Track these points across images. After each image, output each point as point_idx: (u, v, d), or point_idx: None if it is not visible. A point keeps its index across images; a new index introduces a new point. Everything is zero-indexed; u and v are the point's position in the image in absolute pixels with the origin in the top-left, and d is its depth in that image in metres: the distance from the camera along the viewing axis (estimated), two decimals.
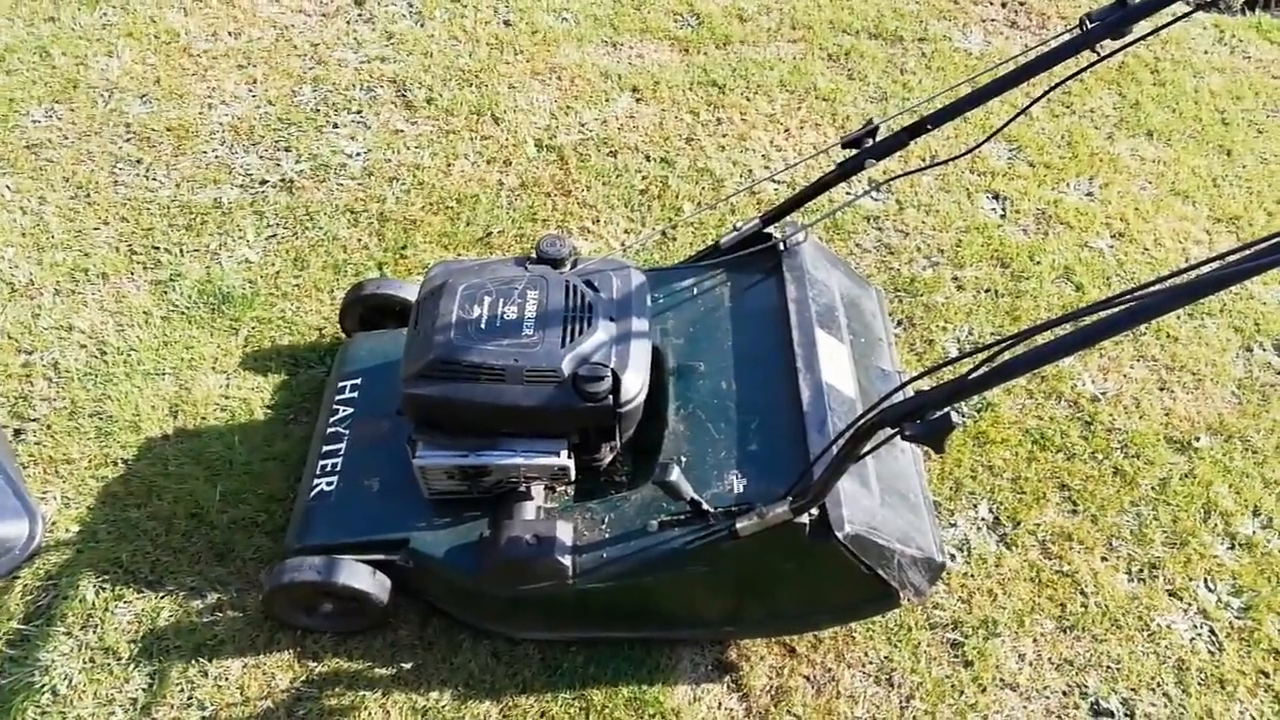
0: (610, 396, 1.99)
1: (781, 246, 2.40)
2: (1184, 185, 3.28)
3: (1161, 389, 2.75)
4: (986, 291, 2.94)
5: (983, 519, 2.47)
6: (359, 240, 3.02)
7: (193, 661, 2.17)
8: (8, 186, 3.11)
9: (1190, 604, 2.35)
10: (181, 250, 2.97)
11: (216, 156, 3.24)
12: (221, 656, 2.18)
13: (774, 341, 2.23)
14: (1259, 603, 2.34)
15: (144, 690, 2.13)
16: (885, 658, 2.24)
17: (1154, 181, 3.30)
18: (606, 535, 2.07)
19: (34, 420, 2.56)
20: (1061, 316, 1.85)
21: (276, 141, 3.30)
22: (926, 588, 2.09)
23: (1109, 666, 2.24)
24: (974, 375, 1.63)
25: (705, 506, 1.96)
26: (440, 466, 2.07)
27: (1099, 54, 1.99)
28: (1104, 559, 2.41)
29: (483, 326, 2.02)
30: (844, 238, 3.07)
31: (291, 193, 3.15)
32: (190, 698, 2.13)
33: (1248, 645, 2.28)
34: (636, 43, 3.72)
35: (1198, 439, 2.63)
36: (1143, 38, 1.96)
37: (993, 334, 2.84)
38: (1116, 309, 1.51)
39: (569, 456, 2.07)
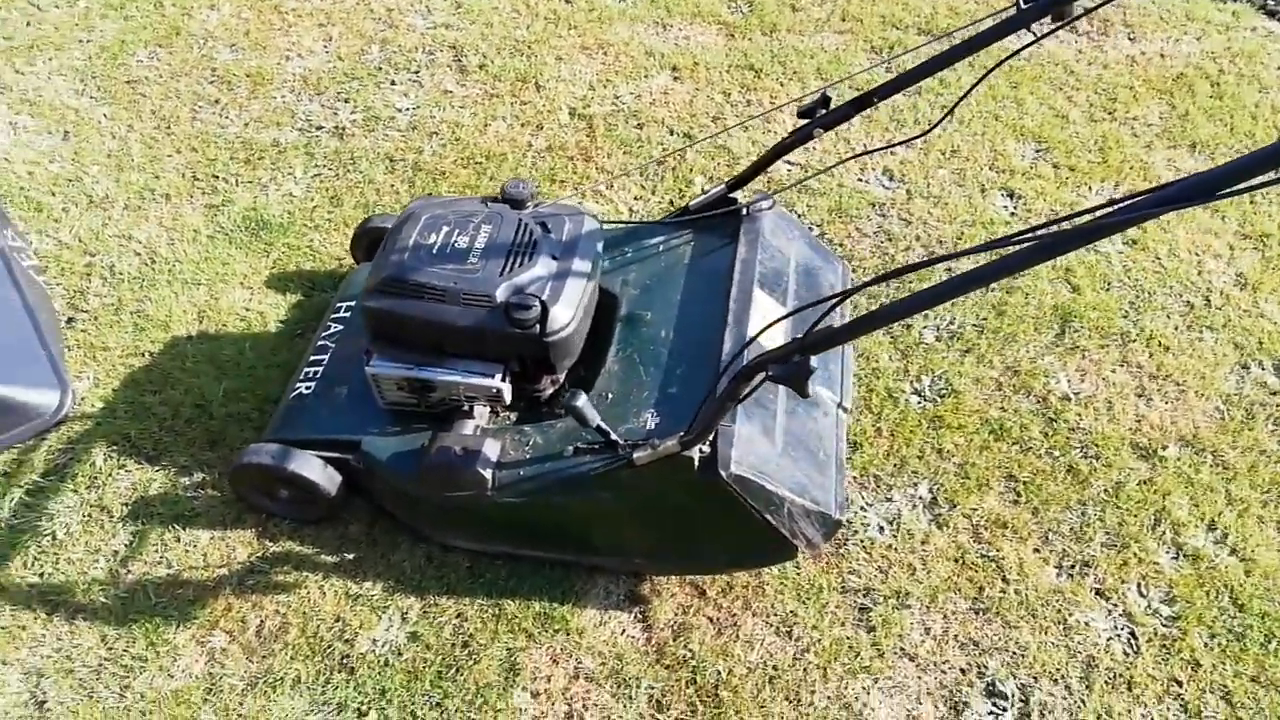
0: (537, 326, 2.14)
1: (744, 212, 2.50)
2: (1220, 204, 3.16)
3: (1140, 395, 2.69)
4: None
5: (920, 498, 2.50)
6: (392, 186, 3.28)
7: (170, 527, 2.45)
8: (104, 115, 3.53)
9: (1116, 605, 2.31)
10: (237, 181, 3.30)
11: (284, 102, 3.58)
12: (194, 526, 2.46)
13: (716, 297, 2.34)
14: (1190, 614, 2.29)
15: (125, 545, 2.43)
16: (791, 611, 2.31)
17: None
18: (528, 455, 2.23)
19: (85, 312, 2.92)
20: (920, 262, 1.91)
21: (338, 93, 3.60)
22: (820, 541, 2.16)
23: (1014, 652, 2.25)
24: (819, 328, 1.69)
25: (613, 436, 2.09)
26: (390, 377, 2.28)
27: (1035, 35, 2.01)
28: (1035, 550, 2.40)
29: (434, 252, 2.21)
30: (845, 220, 3.13)
31: (342, 139, 3.44)
32: (162, 557, 2.41)
33: (1167, 653, 2.24)
34: (686, 25, 3.86)
35: (1165, 448, 2.57)
36: (1078, 17, 1.97)
37: (975, 326, 2.84)
38: (981, 261, 1.57)
39: (505, 380, 2.24)
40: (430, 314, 2.17)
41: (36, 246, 3.09)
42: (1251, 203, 3.17)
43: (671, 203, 3.19)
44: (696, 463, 2.01)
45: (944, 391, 2.70)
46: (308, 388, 2.51)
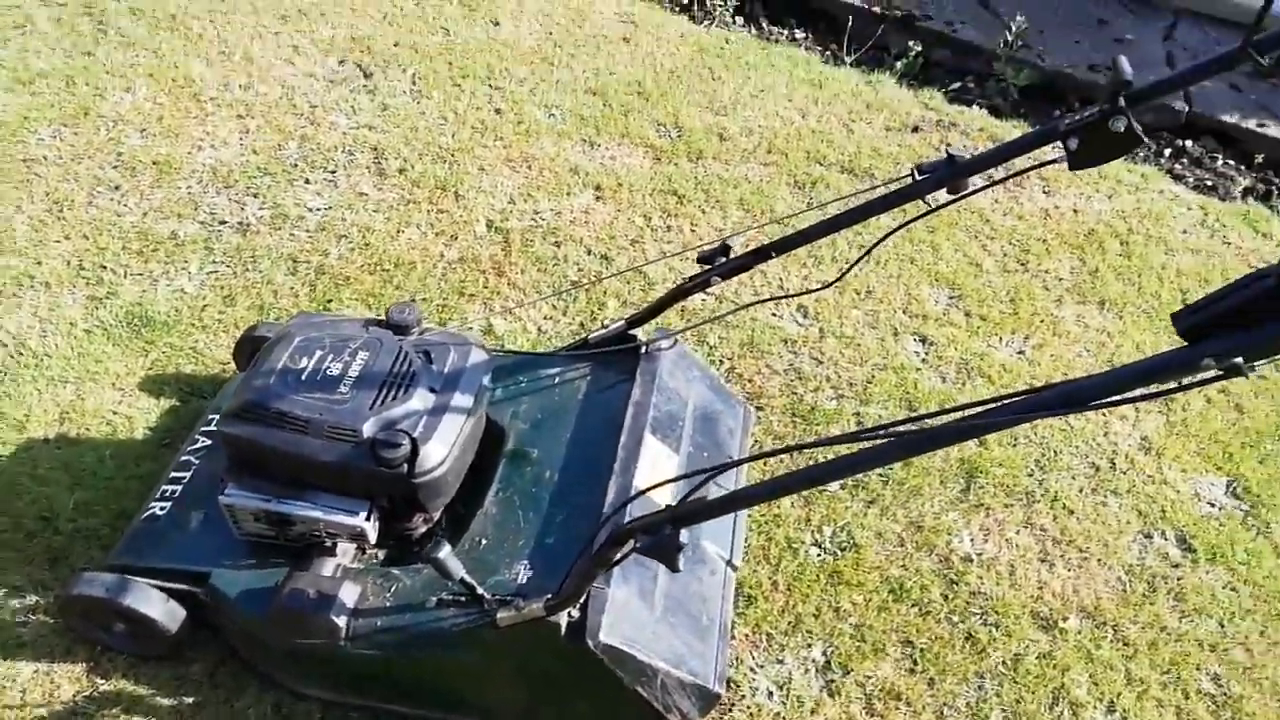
0: (406, 465, 2.00)
1: (644, 350, 2.41)
2: (1124, 358, 3.18)
3: (1042, 561, 2.61)
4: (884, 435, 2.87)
5: (813, 660, 2.36)
6: (292, 288, 3.14)
7: None
8: None
9: None
10: (126, 272, 3.13)
11: (189, 193, 3.44)
12: (17, 658, 2.22)
13: (606, 440, 2.22)
14: None
15: None
16: None
17: (1093, 349, 3.21)
18: (388, 604, 2.06)
19: None
20: (798, 444, 1.84)
21: (248, 187, 3.48)
22: (696, 715, 2.00)
23: None
24: (691, 500, 1.59)
25: (479, 590, 1.94)
26: (246, 508, 2.10)
27: (929, 205, 1.98)
28: None
29: (303, 378, 2.07)
30: (757, 356, 3.06)
31: (245, 235, 3.31)
32: None
33: None
34: (614, 145, 3.84)
35: (1066, 619, 2.49)
36: (978, 190, 1.95)
37: (880, 477, 2.76)
38: (854, 448, 1.49)
39: (370, 519, 2.08)
40: (290, 445, 2.02)
41: None
42: None
43: (583, 325, 3.10)
44: (563, 629, 1.86)
45: (845, 544, 2.59)
46: (162, 508, 2.31)
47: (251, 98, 3.88)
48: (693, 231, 3.48)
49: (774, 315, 3.21)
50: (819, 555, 2.57)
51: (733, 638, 2.37)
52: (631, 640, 1.88)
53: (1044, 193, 3.88)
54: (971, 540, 2.64)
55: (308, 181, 3.54)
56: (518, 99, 4.02)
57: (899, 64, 4.59)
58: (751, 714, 2.26)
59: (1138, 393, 1.34)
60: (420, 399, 2.07)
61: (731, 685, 2.29)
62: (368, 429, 2.00)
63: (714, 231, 3.48)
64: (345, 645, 2.02)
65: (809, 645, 2.39)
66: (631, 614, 1.92)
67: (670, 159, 3.80)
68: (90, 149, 3.57)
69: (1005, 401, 1.40)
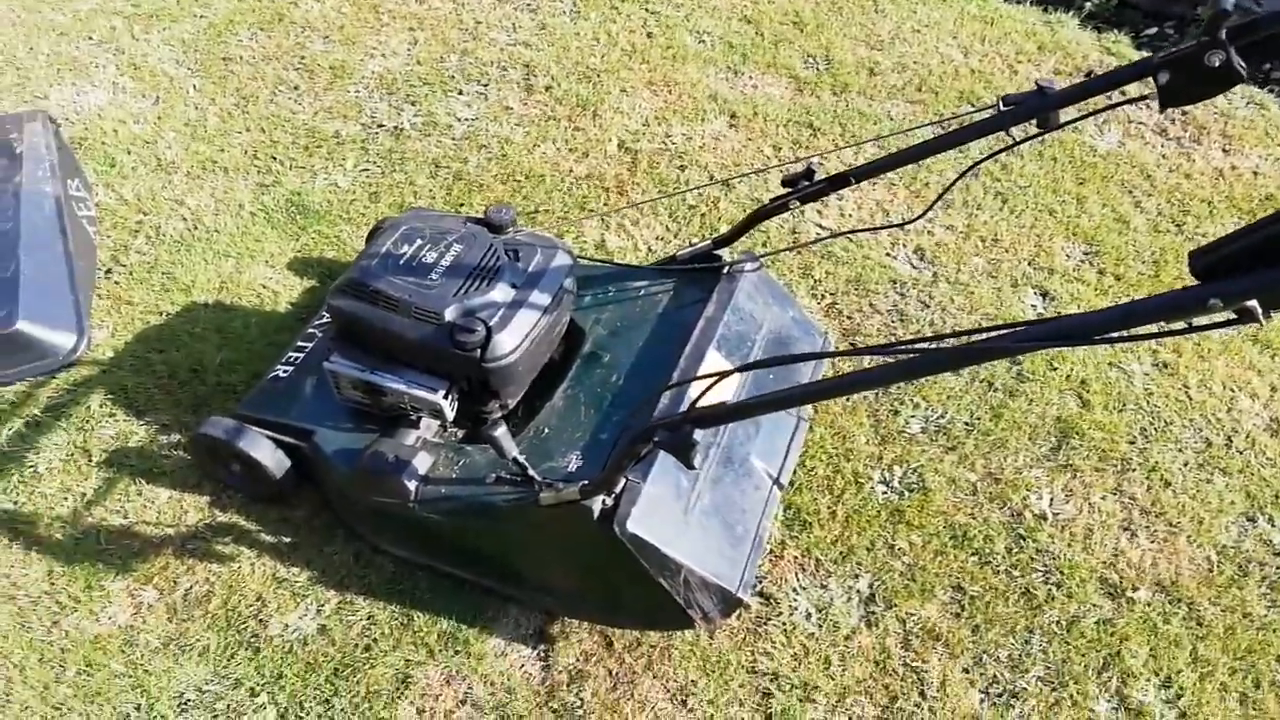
0: (479, 350, 2.16)
1: (725, 270, 2.47)
2: (1270, 335, 2.92)
3: (1124, 529, 2.50)
4: (982, 382, 2.80)
5: (858, 591, 2.39)
6: (430, 191, 3.38)
7: (136, 480, 2.59)
8: (194, 86, 3.77)
9: None
10: (291, 165, 3.47)
11: (355, 97, 3.74)
12: (157, 484, 2.59)
13: (673, 351, 2.31)
14: None
15: (94, 490, 2.57)
16: (691, 681, 2.24)
17: (1237, 327, 2.96)
18: (455, 475, 2.26)
19: (124, 266, 3.12)
20: (822, 353, 1.83)
21: (407, 95, 3.74)
22: (717, 615, 2.10)
23: None
24: (710, 404, 1.66)
25: (530, 471, 2.10)
26: (346, 376, 2.34)
27: (1013, 138, 1.91)
28: (965, 670, 2.26)
29: (400, 263, 2.27)
30: (861, 294, 3.03)
31: (398, 139, 3.57)
32: (121, 506, 2.54)
33: None
34: (758, 74, 3.84)
35: (1137, 590, 2.38)
36: (1066, 124, 1.86)
37: (966, 425, 2.71)
38: (890, 358, 1.51)
39: (448, 398, 2.27)
40: (382, 321, 2.23)
41: (99, 198, 3.32)
42: None
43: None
44: (596, 514, 1.99)
45: (913, 486, 2.58)
46: (285, 371, 2.60)
47: (424, 11, 4.13)
48: (821, 164, 3.44)
49: (888, 255, 3.16)
50: (884, 493, 2.57)
51: (780, 557, 2.43)
52: (657, 533, 1.98)
53: (1223, 150, 3.56)
54: (1050, 500, 2.56)
55: (460, 93, 3.76)
56: (671, 24, 4.06)
57: (1088, 4, 4.28)
58: (787, 631, 2.32)
59: (1144, 330, 1.30)
60: (501, 292, 2.23)
61: (771, 601, 2.36)
62: (449, 314, 2.17)
63: (842, 166, 3.42)
64: (414, 507, 2.24)
65: (856, 576, 2.42)
66: (662, 510, 2.02)
67: (813, 91, 3.76)
68: (279, 51, 3.93)
69: (1007, 330, 1.39)
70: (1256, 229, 1.21)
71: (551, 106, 3.70)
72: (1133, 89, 1.91)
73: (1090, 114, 1.88)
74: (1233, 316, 1.23)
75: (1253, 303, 1.20)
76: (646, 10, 4.15)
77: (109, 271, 3.11)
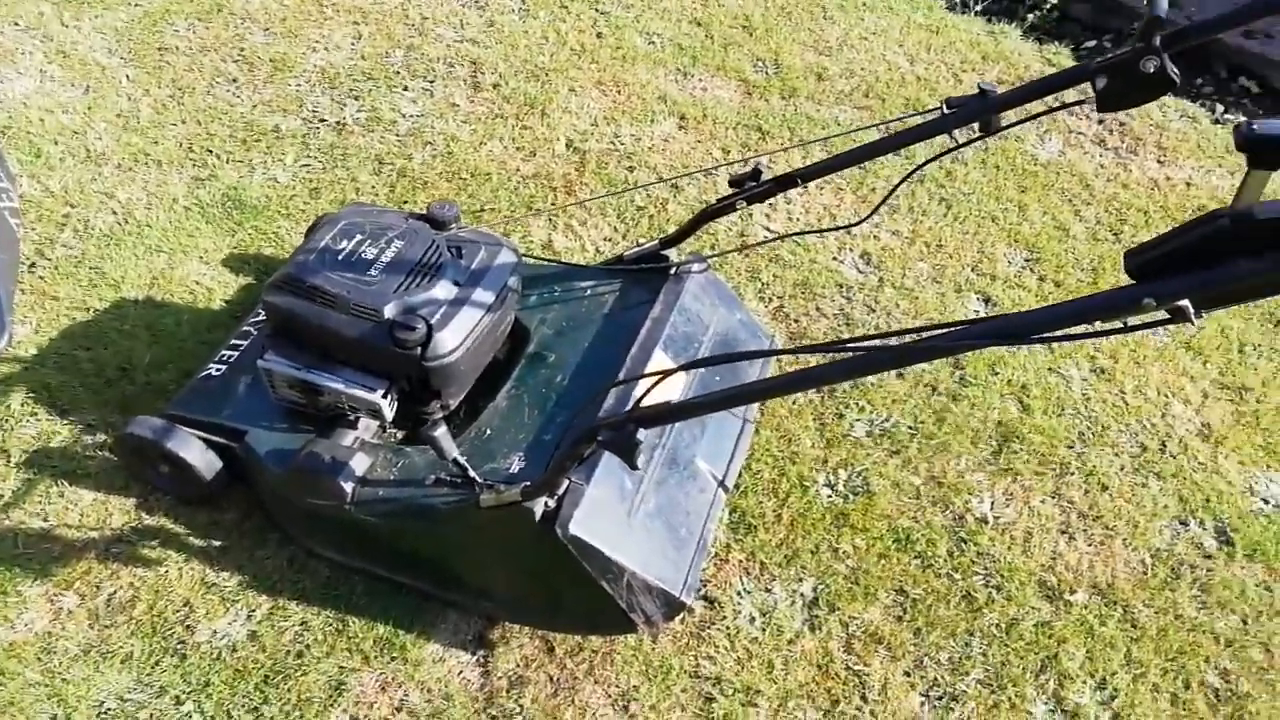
0: (419, 349, 2.11)
1: (672, 271, 2.45)
2: (1201, 342, 2.99)
3: (1062, 532, 2.53)
4: (927, 386, 2.82)
5: (801, 595, 2.38)
6: (372, 187, 3.31)
7: (58, 482, 2.48)
8: (127, 76, 3.65)
9: None
10: (228, 159, 3.37)
11: (296, 90, 3.65)
12: (81, 485, 2.49)
13: (619, 352, 2.28)
14: None
15: (12, 491, 2.46)
16: (634, 686, 2.21)
17: (1171, 331, 3.03)
18: (393, 476, 2.20)
19: (49, 260, 3.00)
20: (765, 350, 1.82)
21: (351, 90, 3.66)
22: (660, 619, 2.07)
23: None
24: (654, 404, 1.63)
25: (471, 473, 2.05)
26: (281, 374, 2.27)
27: (955, 140, 1.92)
28: (906, 674, 2.26)
29: (339, 258, 2.21)
30: (808, 297, 3.04)
31: (340, 134, 3.49)
32: (42, 509, 2.44)
33: None
34: (707, 77, 3.83)
35: (1074, 592, 2.41)
36: (1007, 127, 1.88)
37: (910, 429, 2.72)
38: (825, 358, 1.50)
39: (386, 398, 2.21)
40: (319, 318, 2.16)
41: (24, 190, 3.19)
42: (1240, 351, 2.98)
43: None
44: (537, 516, 1.95)
45: (858, 489, 2.58)
46: (217, 369, 2.52)
47: (369, 5, 4.05)
48: (769, 167, 3.45)
49: (835, 259, 3.17)
50: (829, 496, 2.57)
51: (725, 561, 2.42)
52: (600, 535, 1.95)
53: (1158, 162, 3.64)
54: (992, 503, 2.58)
55: (406, 89, 3.70)
56: (621, 24, 4.04)
57: (1030, 16, 4.36)
58: (730, 635, 2.30)
59: (1080, 329, 1.31)
60: (443, 289, 2.18)
61: (715, 605, 2.35)
62: (389, 311, 2.12)
63: (789, 169, 3.43)
64: (351, 509, 2.18)
65: (800, 580, 2.41)
66: (605, 512, 1.99)
67: (762, 94, 3.77)
68: (217, 43, 3.82)
69: (945, 330, 1.39)
70: (1189, 229, 1.22)
71: (499, 104, 3.65)
72: (1070, 95, 1.93)
73: (1031, 118, 1.90)
74: (1166, 316, 1.25)
75: (1185, 302, 1.22)
76: (596, 10, 4.12)
77: (33, 266, 2.98)
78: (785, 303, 3.03)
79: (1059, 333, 1.30)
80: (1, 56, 3.66)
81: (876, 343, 1.45)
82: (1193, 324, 1.23)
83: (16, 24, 3.81)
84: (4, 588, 2.29)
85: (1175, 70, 1.66)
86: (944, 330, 1.39)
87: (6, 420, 2.59)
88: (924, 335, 1.39)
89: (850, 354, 1.46)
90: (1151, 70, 1.65)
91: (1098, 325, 1.30)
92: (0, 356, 2.72)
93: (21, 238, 3.02)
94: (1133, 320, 1.27)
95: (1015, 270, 3.19)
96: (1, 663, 2.17)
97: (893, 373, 2.85)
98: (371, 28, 3.95)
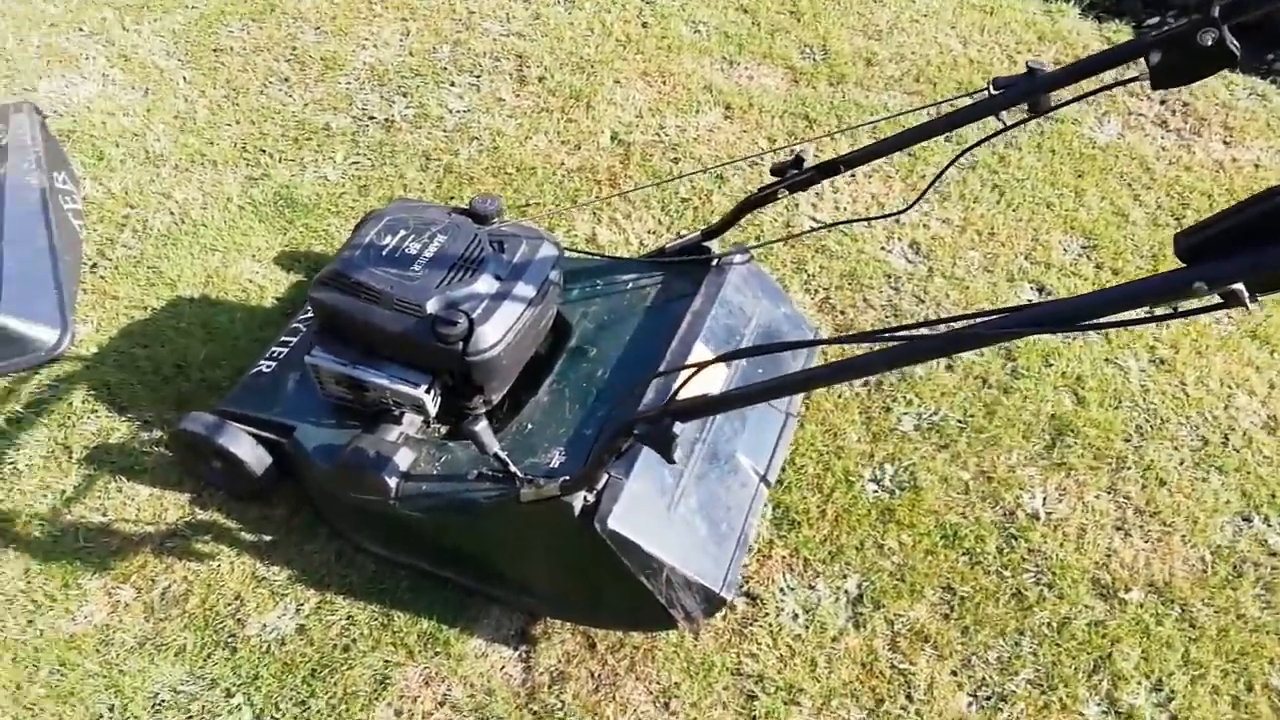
0: (461, 343, 2.12)
1: (714, 263, 2.43)
2: (1269, 330, 2.87)
3: (1118, 529, 2.46)
4: (977, 378, 2.75)
5: (846, 591, 2.35)
6: (420, 184, 3.34)
7: (116, 477, 2.56)
8: (184, 77, 3.73)
9: None
10: (280, 157, 3.43)
11: (347, 88, 3.70)
12: (138, 481, 2.56)
13: (660, 345, 2.27)
14: None
15: (73, 487, 2.54)
16: (675, 683, 2.21)
17: (1235, 321, 2.92)
18: (436, 471, 2.22)
19: (109, 260, 3.09)
20: (803, 342, 1.78)
21: (399, 86, 3.70)
22: (700, 615, 2.06)
23: None
24: (691, 397, 1.62)
25: (512, 467, 2.06)
26: (328, 370, 2.30)
27: (1004, 122, 1.86)
28: (953, 673, 2.22)
29: (383, 254, 2.23)
30: (855, 288, 2.99)
31: (389, 131, 3.53)
32: (101, 504, 2.51)
33: None
34: (753, 65, 3.79)
35: (1129, 590, 2.34)
36: (1057, 108, 1.82)
37: (959, 422, 2.66)
38: (877, 347, 1.47)
39: (430, 393, 2.23)
40: (364, 314, 2.19)
41: (86, 192, 3.29)
42: None
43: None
44: (577, 510, 1.95)
45: (905, 485, 2.53)
46: (268, 366, 2.57)
47: (417, 1, 4.08)
48: (816, 156, 3.39)
49: (883, 249, 3.11)
50: (875, 491, 2.53)
51: (768, 557, 2.40)
52: (640, 530, 1.94)
53: (1224, 143, 3.50)
54: (1044, 499, 2.51)
55: (453, 84, 3.72)
56: (667, 13, 4.01)
57: None
58: (773, 632, 2.28)
59: (1130, 315, 1.25)
60: (485, 283, 2.18)
61: (757, 602, 2.33)
62: (431, 305, 2.13)
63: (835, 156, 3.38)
64: (395, 504, 2.21)
65: (845, 576, 2.38)
66: (645, 507, 1.98)
67: (809, 81, 3.71)
68: (270, 42, 3.89)
69: (990, 316, 1.34)
70: (1242, 209, 1.16)
71: (544, 98, 3.65)
72: (1126, 72, 1.85)
73: (1082, 96, 1.83)
74: (1219, 301, 1.19)
75: (1239, 286, 1.16)
76: (642, 0, 4.10)
77: (94, 266, 3.07)
78: (832, 294, 2.99)
79: (1105, 319, 1.25)
80: (67, 62, 3.77)
81: (917, 331, 1.40)
82: (1247, 308, 1.17)
83: (81, 29, 3.92)
84: (66, 581, 2.37)
85: (1236, 43, 1.58)
86: (987, 317, 1.34)
87: (69, 417, 2.68)
88: (964, 323, 1.35)
89: (890, 344, 1.42)
90: (1210, 43, 1.57)
91: (1146, 311, 1.24)
92: (62, 355, 2.82)
93: (84, 239, 3.13)
94: (1184, 305, 1.21)
95: (1071, 259, 3.09)
96: (63, 654, 2.25)
97: (942, 365, 2.79)
98: (419, 23, 3.98)
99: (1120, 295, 1.24)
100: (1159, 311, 1.24)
